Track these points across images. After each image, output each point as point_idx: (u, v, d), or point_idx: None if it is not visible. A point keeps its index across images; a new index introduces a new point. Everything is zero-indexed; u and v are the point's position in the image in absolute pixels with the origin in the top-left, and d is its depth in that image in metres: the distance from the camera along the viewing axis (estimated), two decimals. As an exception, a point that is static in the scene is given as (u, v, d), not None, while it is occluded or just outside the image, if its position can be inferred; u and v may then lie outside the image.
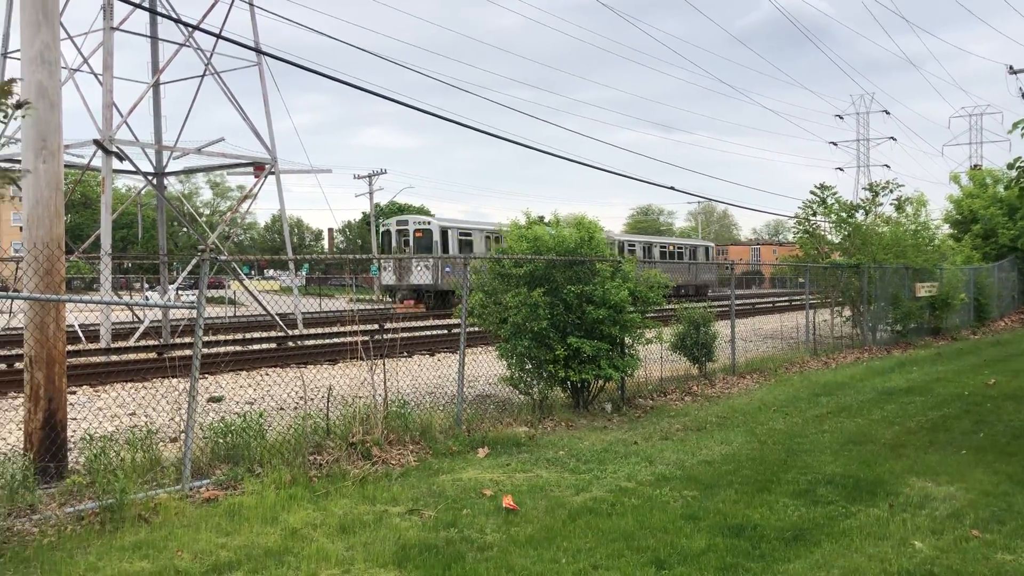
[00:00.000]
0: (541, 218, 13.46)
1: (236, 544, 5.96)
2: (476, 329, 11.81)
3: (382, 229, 41.62)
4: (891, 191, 24.30)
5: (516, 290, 11.01)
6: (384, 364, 9.88)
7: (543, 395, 11.43)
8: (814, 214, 23.82)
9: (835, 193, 23.64)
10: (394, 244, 39.62)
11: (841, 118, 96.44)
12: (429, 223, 40.13)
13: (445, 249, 38.87)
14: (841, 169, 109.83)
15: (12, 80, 6.03)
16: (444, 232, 39.46)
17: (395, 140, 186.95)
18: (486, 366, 12.49)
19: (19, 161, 18.45)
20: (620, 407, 11.84)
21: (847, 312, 23.00)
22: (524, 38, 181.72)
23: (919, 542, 6.08)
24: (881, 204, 24.29)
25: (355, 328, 10.88)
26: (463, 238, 40.39)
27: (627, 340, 11.90)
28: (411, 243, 39.73)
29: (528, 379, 11.37)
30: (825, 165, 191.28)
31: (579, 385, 11.56)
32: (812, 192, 23.78)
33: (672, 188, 22.16)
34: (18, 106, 5.89)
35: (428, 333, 24.31)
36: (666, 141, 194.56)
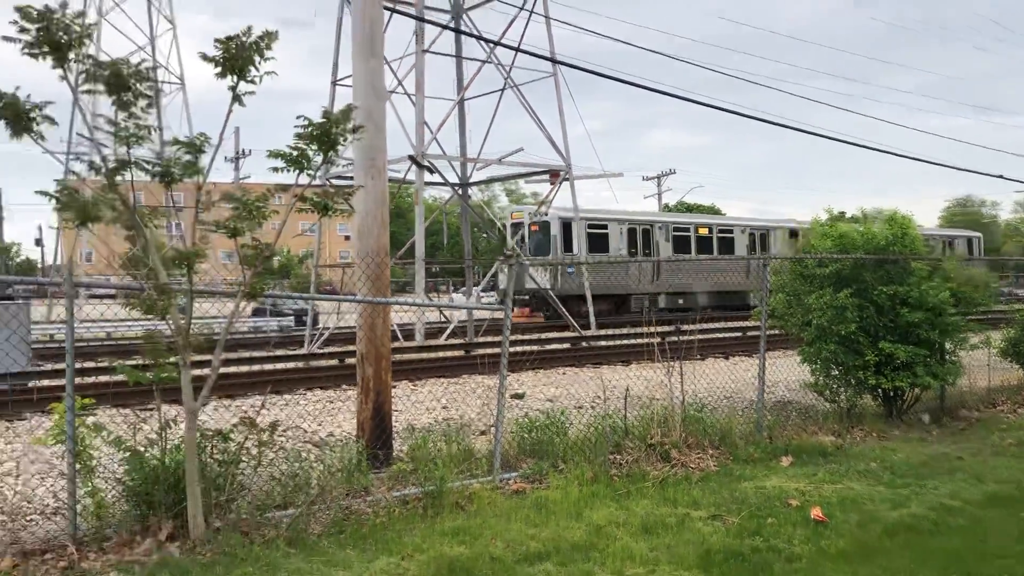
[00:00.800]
0: (843, 214, 12.73)
1: (544, 536, 6.22)
2: (772, 332, 11.39)
3: (499, 224, 35.21)
4: None
5: (820, 291, 10.50)
6: (681, 366, 9.83)
7: (851, 403, 10.79)
8: None
9: None
10: (508, 242, 32.52)
11: None
12: (547, 215, 32.92)
13: (568, 246, 32.15)
14: None
15: (351, 106, 6.75)
16: (566, 225, 32.27)
17: (682, 139, 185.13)
18: (785, 371, 12.01)
19: (345, 179, 20.65)
20: (939, 418, 10.88)
21: None
22: (822, 26, 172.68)
23: None
24: None
25: (651, 330, 10.93)
26: (594, 231, 33.28)
27: (947, 345, 10.91)
28: (526, 240, 33.06)
29: (834, 385, 10.79)
30: None
31: (891, 393, 10.77)
32: None
33: (1001, 177, 19.54)
34: (354, 130, 6.55)
35: (721, 336, 23.85)
36: (985, 124, 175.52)
